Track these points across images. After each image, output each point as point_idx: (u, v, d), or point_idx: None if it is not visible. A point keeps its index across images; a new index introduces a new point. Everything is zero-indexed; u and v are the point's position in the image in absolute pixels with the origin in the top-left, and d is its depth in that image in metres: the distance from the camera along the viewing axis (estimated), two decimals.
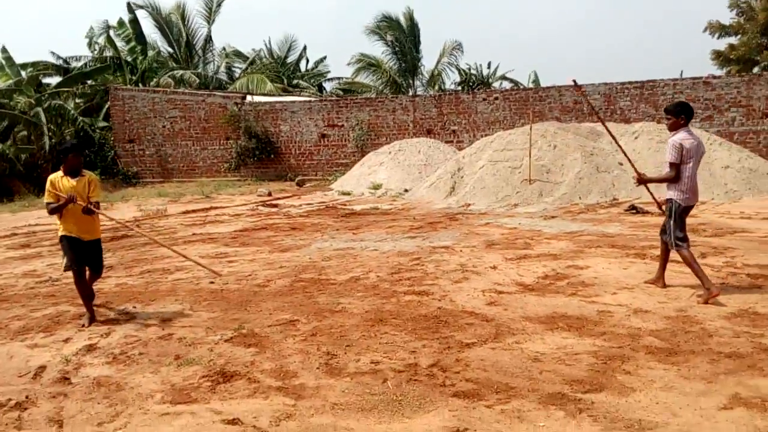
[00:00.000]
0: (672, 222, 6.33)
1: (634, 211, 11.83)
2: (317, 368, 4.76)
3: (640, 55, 79.47)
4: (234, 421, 3.88)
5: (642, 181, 6.63)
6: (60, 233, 6.09)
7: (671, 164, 6.20)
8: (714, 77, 18.94)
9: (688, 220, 10.42)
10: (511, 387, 4.28)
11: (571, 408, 3.92)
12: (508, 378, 4.44)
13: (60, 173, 6.09)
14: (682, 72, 28.17)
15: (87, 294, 6.15)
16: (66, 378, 4.73)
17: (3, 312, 6.62)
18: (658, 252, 8.12)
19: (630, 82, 19.35)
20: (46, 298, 7.17)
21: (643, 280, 6.86)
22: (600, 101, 19.46)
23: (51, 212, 5.97)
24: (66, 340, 5.61)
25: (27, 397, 4.40)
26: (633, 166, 7.30)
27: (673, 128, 6.29)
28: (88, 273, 6.23)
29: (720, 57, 29.91)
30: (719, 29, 29.77)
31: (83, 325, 5.97)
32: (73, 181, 6.01)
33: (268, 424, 3.84)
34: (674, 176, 6.20)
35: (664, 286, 6.57)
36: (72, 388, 4.54)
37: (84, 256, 6.10)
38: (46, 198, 5.98)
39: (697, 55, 70.69)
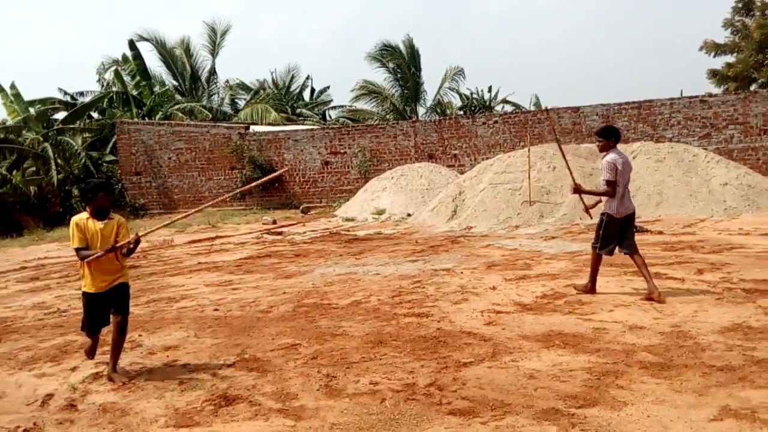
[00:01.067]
0: (601, 231, 7.06)
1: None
2: (317, 390, 4.86)
3: (639, 76, 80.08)
4: None
5: (577, 190, 7.19)
6: (84, 289, 5.39)
7: (608, 182, 6.83)
8: (711, 95, 19.13)
9: (686, 238, 10.54)
10: (506, 404, 4.38)
11: (564, 423, 4.01)
12: (504, 395, 4.53)
13: (85, 215, 5.33)
14: (681, 91, 28.41)
15: (93, 350, 5.70)
16: (73, 405, 4.84)
17: (12, 343, 6.76)
18: (656, 270, 8.25)
19: (627, 103, 19.57)
20: (54, 328, 7.30)
21: (639, 298, 6.97)
22: (598, 122, 19.65)
23: (83, 259, 5.25)
24: (73, 369, 5.73)
25: (35, 423, 4.51)
26: (572, 175, 7.79)
27: (605, 149, 6.97)
28: (112, 319, 5.46)
29: (716, 75, 30.18)
30: (714, 48, 30.08)
31: (122, 382, 5.27)
32: (100, 224, 5.29)
33: None
34: (612, 192, 6.85)
35: (594, 292, 7.19)
36: (78, 415, 4.65)
37: (107, 307, 5.41)
38: (75, 243, 5.26)
39: (695, 74, 71.21)
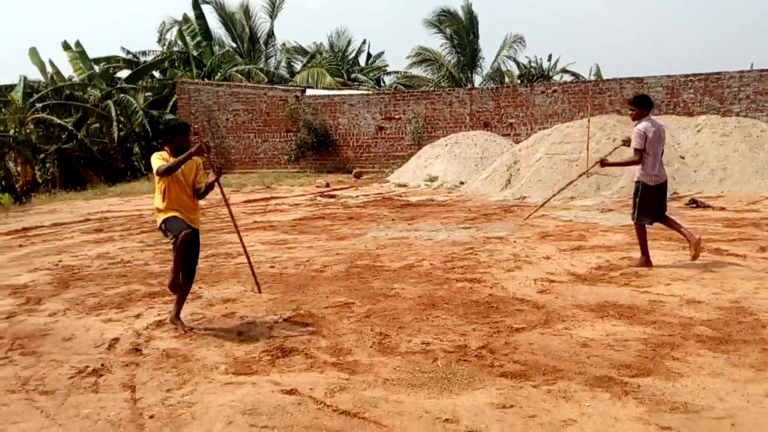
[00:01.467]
0: (637, 199, 7.16)
1: (694, 205, 11.62)
2: (370, 347, 4.97)
3: (707, 48, 76.83)
4: (291, 392, 4.12)
5: (606, 164, 7.65)
6: (165, 216, 5.39)
7: (636, 150, 7.02)
8: None
9: (749, 215, 10.23)
10: (559, 369, 4.40)
11: (617, 390, 4.01)
12: (556, 361, 4.55)
13: (165, 153, 5.41)
14: (752, 64, 27.23)
15: (180, 269, 5.50)
16: (138, 349, 5.08)
17: (79, 289, 7.10)
18: (716, 245, 8.05)
19: (694, 75, 18.85)
20: (118, 278, 7.62)
21: (630, 262, 7.36)
22: (662, 93, 19.03)
23: (165, 172, 5.23)
24: (137, 316, 6.00)
25: (102, 364, 4.76)
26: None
27: (637, 118, 7.15)
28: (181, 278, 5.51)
29: None
30: None
31: (183, 330, 5.42)
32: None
33: (323, 395, 4.07)
34: (638, 160, 7.04)
35: (647, 264, 7.19)
36: (143, 359, 4.88)
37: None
38: (157, 163, 5.28)
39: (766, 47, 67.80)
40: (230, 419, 3.76)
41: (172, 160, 5.31)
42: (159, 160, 5.34)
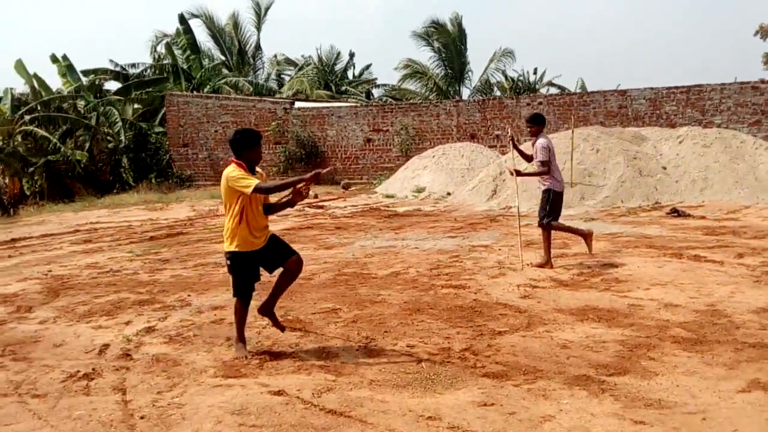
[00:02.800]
0: (548, 205, 7.86)
1: (675, 214, 11.84)
2: (357, 350, 5.10)
3: (689, 60, 77.78)
4: (279, 393, 4.23)
5: (519, 174, 8.15)
6: (235, 247, 4.94)
7: (543, 162, 7.71)
8: (763, 81, 18.64)
9: (729, 224, 10.45)
10: (539, 369, 4.54)
11: (595, 388, 4.15)
12: (536, 362, 4.69)
13: (238, 169, 4.84)
14: (735, 78, 27.65)
15: (244, 319, 5.19)
16: (128, 354, 5.17)
17: (69, 298, 7.17)
18: (695, 252, 8.25)
19: (676, 87, 19.18)
20: (107, 286, 7.70)
21: (532, 263, 7.93)
22: (645, 106, 19.35)
23: (265, 191, 4.80)
24: (127, 323, 6.08)
25: (93, 369, 4.85)
26: (513, 165, 8.59)
27: (535, 134, 7.84)
28: (287, 264, 5.17)
29: None
30: None
31: (241, 357, 4.98)
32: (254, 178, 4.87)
33: (310, 395, 4.18)
34: (547, 171, 7.74)
35: (552, 266, 7.81)
36: (133, 363, 4.97)
37: (259, 264, 5.13)
38: (251, 181, 4.71)
39: (749, 60, 68.78)
40: (219, 419, 3.87)
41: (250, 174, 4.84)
42: (245, 176, 4.76)
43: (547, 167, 7.72)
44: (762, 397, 3.93)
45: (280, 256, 5.15)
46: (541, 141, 7.73)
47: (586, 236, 8.14)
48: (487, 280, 7.28)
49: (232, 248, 4.95)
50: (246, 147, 4.90)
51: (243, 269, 5.04)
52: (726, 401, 3.90)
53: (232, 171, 4.83)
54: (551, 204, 7.86)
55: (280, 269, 5.25)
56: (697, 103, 18.93)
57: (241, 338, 5.13)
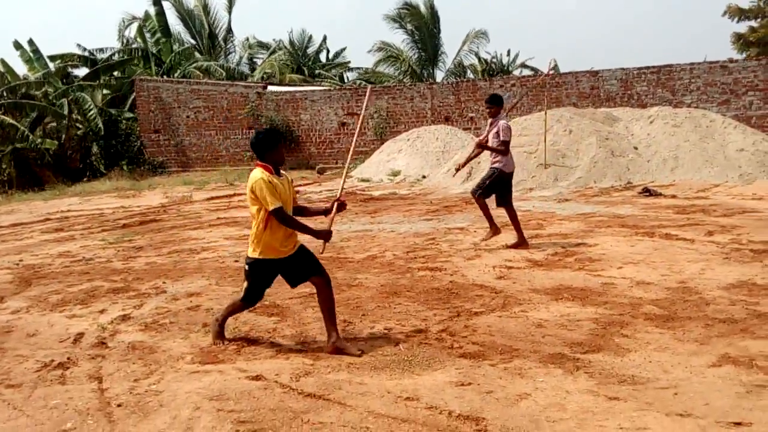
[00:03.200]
0: (489, 181, 8.02)
1: (647, 193, 12.01)
2: None
3: (660, 41, 78.54)
4: (258, 377, 4.23)
5: (482, 146, 8.20)
6: (258, 256, 4.67)
7: (506, 142, 7.83)
8: (732, 61, 18.91)
9: (699, 202, 10.65)
10: (515, 349, 4.59)
11: (569, 366, 4.22)
12: (512, 341, 4.75)
13: (266, 173, 4.59)
14: (705, 57, 27.99)
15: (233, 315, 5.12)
16: (103, 343, 5.12)
17: (42, 287, 7.07)
18: (666, 231, 8.38)
19: (647, 67, 19.38)
20: (80, 275, 7.60)
21: (507, 244, 8.01)
22: (617, 86, 19.52)
23: (282, 222, 4.58)
24: (101, 311, 6.02)
25: (68, 358, 4.80)
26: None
27: (495, 115, 7.95)
28: (316, 287, 4.87)
29: (740, 40, 29.65)
30: (738, 13, 29.51)
31: (218, 342, 4.90)
32: (278, 181, 4.62)
33: (288, 379, 4.19)
34: (506, 151, 7.88)
35: (498, 232, 8.12)
36: (109, 351, 4.93)
37: (278, 273, 4.84)
38: (276, 202, 4.48)
39: (718, 40, 69.72)
40: (197, 405, 3.85)
41: (278, 186, 4.57)
42: (273, 192, 4.51)
43: (507, 147, 7.87)
44: (732, 371, 4.02)
45: (305, 271, 4.82)
46: (504, 122, 7.87)
47: (494, 232, 8.12)
48: (463, 262, 7.33)
49: (255, 255, 4.67)
50: (269, 148, 4.63)
51: (261, 277, 4.77)
52: (697, 376, 3.99)
53: (259, 178, 4.53)
54: (493, 182, 8.00)
55: (294, 285, 5.00)
56: (668, 83, 19.16)
57: (222, 327, 5.01)
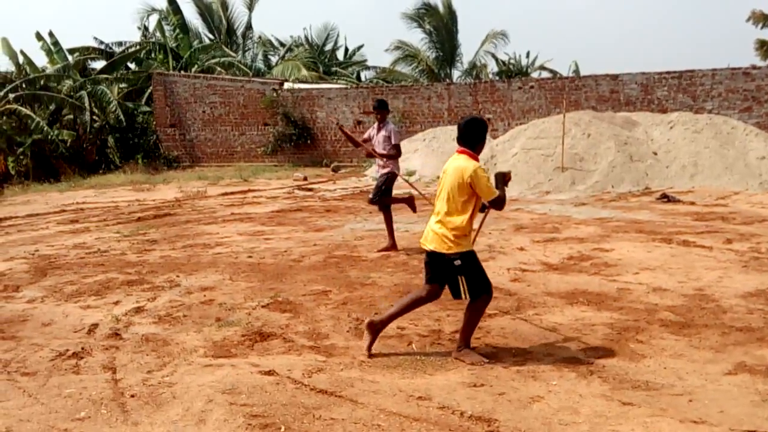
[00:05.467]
0: (384, 186, 8.12)
1: (665, 199, 11.90)
2: (347, 331, 5.10)
3: (682, 46, 77.82)
4: (270, 372, 4.24)
5: (370, 154, 8.40)
6: (467, 246, 4.48)
7: (398, 146, 8.05)
8: (755, 67, 18.69)
9: (718, 209, 10.54)
10: (528, 351, 4.57)
11: (583, 370, 4.19)
12: (526, 344, 4.72)
13: (477, 163, 4.48)
14: (728, 64, 27.74)
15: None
16: (117, 334, 5.15)
17: (57, 277, 7.12)
18: (684, 237, 8.30)
19: (668, 72, 19.20)
20: (95, 266, 7.64)
21: (376, 249, 8.13)
22: (637, 90, 19.37)
23: (501, 207, 4.58)
24: (116, 303, 6.05)
25: (83, 348, 4.83)
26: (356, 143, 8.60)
27: (383, 120, 8.07)
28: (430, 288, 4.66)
29: (764, 47, 29.31)
30: (762, 19, 29.14)
31: (479, 362, 4.37)
32: None
33: (301, 375, 4.19)
34: (400, 154, 8.16)
35: (397, 249, 8.11)
36: (123, 342, 4.96)
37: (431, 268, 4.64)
38: (491, 189, 4.42)
39: (741, 46, 68.92)
40: (210, 398, 3.86)
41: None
42: (485, 177, 4.41)
43: (399, 150, 8.08)
44: (748, 379, 3.98)
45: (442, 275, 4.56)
46: (393, 126, 8.10)
47: (409, 200, 8.47)
48: None
49: (463, 249, 4.39)
50: (483, 138, 4.52)
51: (478, 264, 4.52)
52: (712, 383, 3.95)
53: (477, 167, 4.36)
54: (387, 186, 8.13)
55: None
56: (689, 89, 18.97)
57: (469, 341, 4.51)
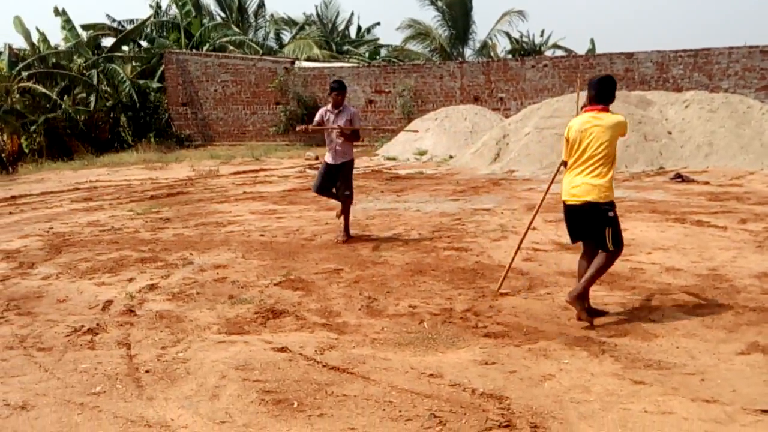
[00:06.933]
0: (351, 175, 7.61)
1: (679, 179, 11.79)
2: (359, 309, 5.13)
3: (699, 23, 76.56)
4: (283, 349, 4.27)
5: (344, 135, 7.44)
6: (612, 198, 4.68)
7: (358, 130, 7.53)
8: None
9: (733, 189, 10.44)
10: (540, 330, 4.57)
11: (595, 349, 4.19)
12: (538, 323, 4.72)
13: None
14: (746, 42, 27.29)
15: None
16: (131, 310, 5.20)
17: (71, 255, 7.19)
18: (698, 217, 8.24)
19: (684, 50, 18.93)
20: (109, 244, 7.70)
21: (336, 239, 7.59)
22: (652, 69, 19.13)
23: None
24: (130, 280, 6.11)
25: (98, 324, 4.88)
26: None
27: (342, 102, 7.42)
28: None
29: None
30: None
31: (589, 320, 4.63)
32: None
33: (313, 352, 4.22)
34: (359, 138, 7.68)
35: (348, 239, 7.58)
36: (137, 319, 5.01)
37: None
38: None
39: (759, 23, 67.58)
40: (224, 374, 3.90)
41: None
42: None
43: (360, 136, 7.64)
44: (761, 359, 3.96)
45: (588, 229, 4.78)
46: (354, 109, 7.67)
47: (345, 238, 7.63)
48: (489, 243, 7.28)
49: (612, 199, 4.66)
50: (614, 95, 4.82)
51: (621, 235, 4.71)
52: (725, 363, 3.94)
53: (624, 119, 4.72)
54: (351, 173, 7.63)
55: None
56: (705, 67, 18.71)
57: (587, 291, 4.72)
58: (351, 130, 7.44)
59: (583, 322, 4.63)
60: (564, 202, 4.81)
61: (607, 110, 4.70)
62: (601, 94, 4.72)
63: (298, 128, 7.80)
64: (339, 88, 7.43)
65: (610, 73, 4.94)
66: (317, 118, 7.59)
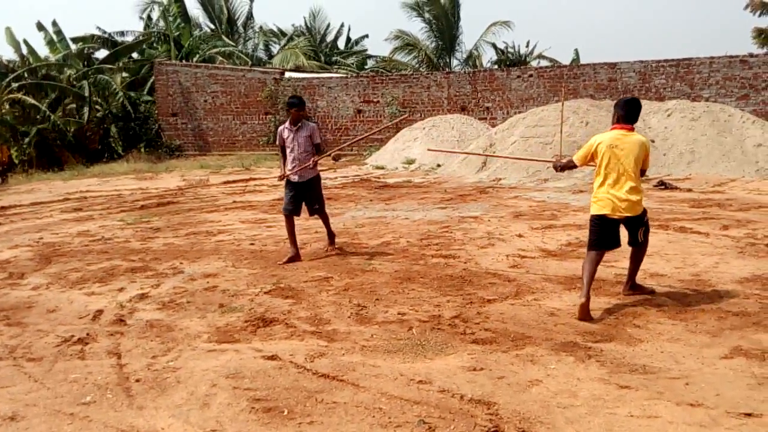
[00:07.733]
0: (321, 191, 7.60)
1: (662, 186, 11.95)
2: (348, 317, 5.17)
3: (680, 34, 77.50)
4: (273, 357, 4.31)
5: (336, 159, 8.22)
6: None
7: (319, 145, 7.41)
8: (752, 56, 18.66)
9: (715, 196, 10.59)
10: (527, 336, 4.64)
11: (581, 354, 4.26)
12: (525, 329, 4.79)
13: None
14: (726, 52, 27.61)
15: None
16: (122, 320, 5.23)
17: (62, 265, 7.19)
18: (681, 224, 8.36)
19: (666, 60, 19.18)
20: (99, 254, 7.71)
21: (325, 251, 7.52)
22: (635, 79, 19.36)
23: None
24: (120, 290, 6.13)
25: (88, 334, 4.90)
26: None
27: (302, 118, 7.31)
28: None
29: (761, 35, 29.22)
30: (760, 7, 29.03)
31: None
32: None
33: (303, 360, 4.26)
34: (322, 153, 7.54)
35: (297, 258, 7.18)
36: (127, 328, 5.03)
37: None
38: None
39: (739, 34, 68.56)
40: (214, 382, 3.94)
41: None
42: None
43: (321, 150, 7.48)
44: (744, 363, 4.05)
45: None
46: (314, 124, 7.60)
47: (295, 256, 7.21)
48: (477, 250, 7.36)
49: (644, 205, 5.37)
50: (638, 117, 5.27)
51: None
52: (709, 367, 4.02)
53: (645, 138, 5.24)
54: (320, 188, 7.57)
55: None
56: (686, 77, 18.96)
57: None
58: (335, 152, 7.93)
59: (570, 327, 4.70)
60: (604, 215, 5.23)
61: (633, 130, 5.17)
62: (629, 114, 5.17)
63: (279, 179, 7.74)
64: (298, 104, 7.25)
65: (634, 96, 5.42)
66: (278, 141, 7.43)
